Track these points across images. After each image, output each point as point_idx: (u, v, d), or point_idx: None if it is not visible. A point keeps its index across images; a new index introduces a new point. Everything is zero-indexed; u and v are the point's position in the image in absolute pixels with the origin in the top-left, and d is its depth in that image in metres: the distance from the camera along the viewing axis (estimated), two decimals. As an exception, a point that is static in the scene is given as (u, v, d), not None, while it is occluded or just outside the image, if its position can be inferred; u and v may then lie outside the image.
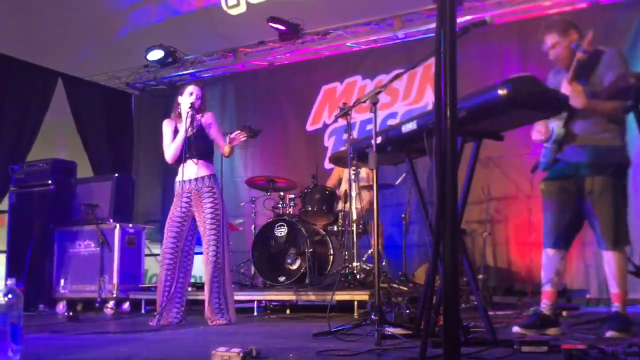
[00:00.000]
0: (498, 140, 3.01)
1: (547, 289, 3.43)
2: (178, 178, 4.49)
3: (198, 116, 4.51)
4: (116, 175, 6.65)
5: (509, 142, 3.18)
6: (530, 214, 5.79)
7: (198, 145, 4.44)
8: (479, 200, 6.26)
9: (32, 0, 7.57)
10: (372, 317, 3.18)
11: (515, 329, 3.38)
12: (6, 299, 2.45)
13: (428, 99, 6.92)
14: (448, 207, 1.30)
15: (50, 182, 6.66)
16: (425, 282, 3.09)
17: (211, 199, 4.40)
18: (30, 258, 6.44)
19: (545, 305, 3.42)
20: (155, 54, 8.16)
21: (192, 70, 8.56)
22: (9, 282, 2.51)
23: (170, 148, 4.50)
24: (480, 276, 5.75)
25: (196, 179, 4.44)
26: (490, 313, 3.08)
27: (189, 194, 4.45)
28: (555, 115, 3.29)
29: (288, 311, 5.55)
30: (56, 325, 4.55)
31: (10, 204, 6.87)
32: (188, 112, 4.44)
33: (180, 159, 4.44)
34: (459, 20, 6.22)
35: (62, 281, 6.34)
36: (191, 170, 4.44)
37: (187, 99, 4.51)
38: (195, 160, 4.44)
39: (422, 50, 6.30)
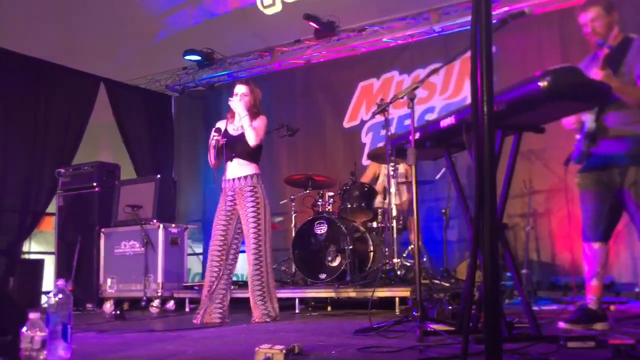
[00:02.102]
0: (539, 133, 2.95)
1: (593, 283, 3.36)
2: (225, 177, 4.58)
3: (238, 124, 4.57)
4: (158, 176, 6.76)
5: (550, 134, 3.11)
6: (574, 207, 5.65)
7: (242, 145, 4.50)
8: (520, 193, 6.17)
9: (73, 8, 7.76)
10: (414, 313, 3.17)
11: (561, 324, 3.32)
12: (56, 299, 2.53)
13: (466, 93, 6.84)
14: (487, 203, 1.29)
15: (95, 184, 6.84)
16: (466, 278, 3.06)
17: (253, 198, 4.45)
18: (78, 259, 6.63)
19: (591, 299, 3.34)
20: (193, 56, 8.29)
21: (229, 71, 8.66)
22: (58, 282, 2.59)
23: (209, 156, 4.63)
24: (524, 271, 5.66)
25: (239, 178, 4.51)
26: (535, 308, 3.03)
27: (233, 193, 4.52)
28: (597, 105, 3.21)
29: (329, 308, 5.57)
30: (104, 324, 4.68)
31: (57, 206, 7.08)
32: (213, 137, 4.50)
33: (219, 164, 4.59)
34: (497, 11, 6.13)
35: (108, 281, 6.50)
36: (234, 169, 4.52)
37: (233, 100, 4.54)
38: (238, 159, 4.50)
39: (460, 43, 6.26)
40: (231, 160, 4.52)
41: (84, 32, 7.88)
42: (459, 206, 5.57)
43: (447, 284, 5.13)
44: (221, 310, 4.49)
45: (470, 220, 3.00)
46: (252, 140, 4.45)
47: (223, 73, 8.72)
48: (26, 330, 2.23)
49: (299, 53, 8.15)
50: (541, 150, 6.09)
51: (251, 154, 4.54)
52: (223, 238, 4.50)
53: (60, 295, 2.54)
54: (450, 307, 3.65)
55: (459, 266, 6.07)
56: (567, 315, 3.47)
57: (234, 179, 4.52)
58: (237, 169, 4.51)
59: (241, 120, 4.50)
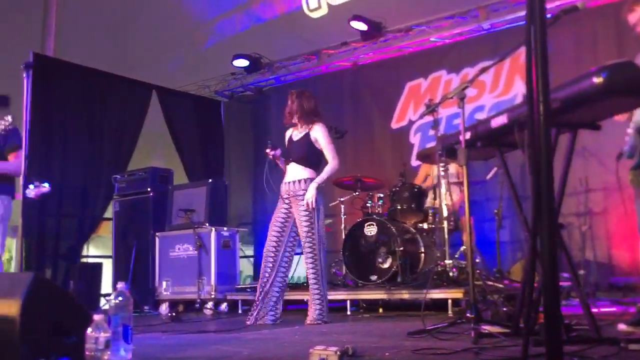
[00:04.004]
0: (595, 130, 2.88)
1: (654, 284, 3.25)
2: (283, 180, 4.69)
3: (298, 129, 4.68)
4: (210, 180, 6.88)
5: (605, 130, 3.03)
6: (631, 204, 5.47)
7: (298, 150, 4.61)
8: (575, 192, 6.00)
9: (126, 19, 8.00)
10: (468, 315, 3.13)
11: (621, 326, 3.22)
12: (117, 301, 2.61)
13: (517, 90, 6.71)
14: (544, 204, 1.28)
15: (149, 189, 7.03)
16: (522, 279, 3.01)
17: (306, 202, 4.50)
18: (134, 262, 6.81)
19: (653, 300, 3.24)
20: (241, 62, 8.42)
21: (277, 75, 8.74)
22: (119, 285, 2.67)
23: None
24: (581, 272, 5.51)
25: (293, 182, 4.58)
26: (594, 310, 2.95)
27: (288, 196, 4.59)
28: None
29: (380, 310, 5.56)
30: (161, 326, 4.79)
31: (114, 211, 7.30)
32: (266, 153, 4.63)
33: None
34: (549, 6, 5.98)
35: (164, 283, 6.65)
36: (291, 173, 4.61)
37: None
38: (295, 163, 4.59)
39: (509, 41, 6.15)
40: (289, 164, 4.62)
41: (136, 42, 8.11)
42: (512, 206, 5.48)
43: (501, 286, 5.04)
44: (274, 312, 4.54)
45: (524, 221, 2.95)
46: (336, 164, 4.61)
47: (271, 77, 8.81)
48: (91, 332, 2.32)
49: (346, 55, 8.16)
50: (597, 147, 5.91)
51: (308, 159, 4.60)
52: (277, 240, 4.56)
53: (120, 298, 2.63)
54: (505, 309, 3.60)
55: (513, 267, 5.96)
56: (627, 317, 3.36)
57: (289, 182, 4.60)
58: (294, 172, 4.59)
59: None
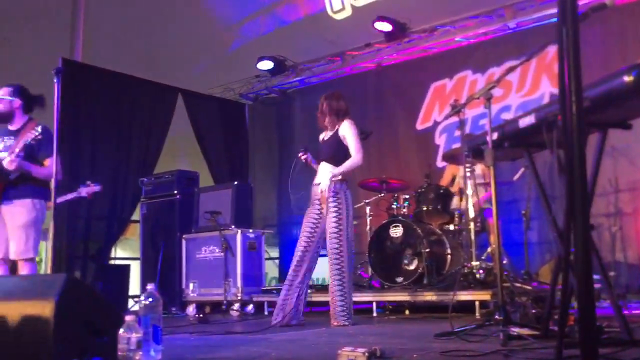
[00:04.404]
0: (626, 129, 2.84)
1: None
2: (314, 181, 4.71)
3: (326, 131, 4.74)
4: (235, 183, 6.92)
5: (635, 130, 2.98)
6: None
7: (327, 149, 4.64)
8: (604, 192, 5.91)
9: (152, 24, 8.10)
10: (497, 317, 3.11)
11: (654, 328, 3.17)
12: (147, 302, 2.64)
13: (544, 90, 6.63)
14: (578, 204, 1.27)
15: (176, 192, 7.10)
16: (551, 281, 2.97)
17: (335, 203, 4.50)
18: (162, 264, 6.88)
19: (687, 303, 3.18)
20: (265, 64, 8.46)
21: (301, 77, 8.75)
22: (148, 286, 2.70)
23: None
24: (612, 273, 5.42)
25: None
26: (625, 312, 2.91)
27: (319, 197, 4.59)
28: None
29: (407, 312, 5.54)
30: (189, 327, 4.84)
31: (141, 214, 7.39)
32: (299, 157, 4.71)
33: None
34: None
35: (191, 285, 6.71)
36: (321, 173, 4.61)
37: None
38: (324, 163, 4.61)
39: (536, 40, 6.08)
40: (319, 164, 4.66)
41: (162, 46, 8.21)
42: (539, 207, 5.42)
43: (529, 287, 4.99)
44: (297, 314, 4.55)
45: (553, 222, 2.92)
46: (359, 159, 4.56)
47: (295, 80, 8.83)
48: (123, 332, 2.35)
49: (370, 57, 8.15)
50: (626, 146, 5.82)
51: (336, 158, 4.60)
52: (307, 241, 4.56)
53: (150, 299, 2.66)
54: (534, 311, 3.56)
55: (541, 269, 5.89)
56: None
57: (319, 183, 4.60)
58: (322, 173, 4.60)
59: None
